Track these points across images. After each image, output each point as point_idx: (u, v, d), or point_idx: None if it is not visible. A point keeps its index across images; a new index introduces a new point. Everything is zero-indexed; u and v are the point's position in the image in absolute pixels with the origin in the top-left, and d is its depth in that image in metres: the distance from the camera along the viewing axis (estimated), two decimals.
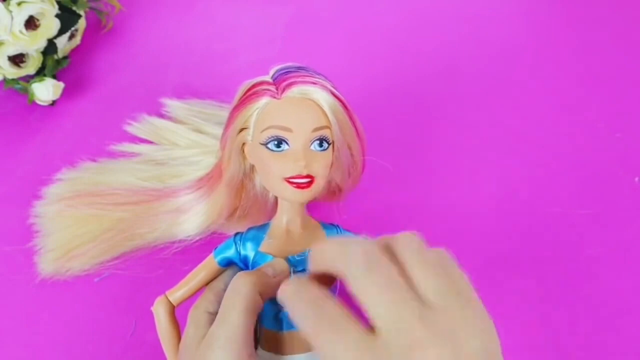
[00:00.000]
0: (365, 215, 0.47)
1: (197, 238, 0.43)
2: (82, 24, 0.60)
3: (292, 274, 0.33)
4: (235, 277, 0.31)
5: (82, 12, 0.59)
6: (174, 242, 0.43)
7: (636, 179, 0.48)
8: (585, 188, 0.48)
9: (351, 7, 0.64)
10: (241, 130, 0.35)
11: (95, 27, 0.63)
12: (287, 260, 0.33)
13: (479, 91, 0.55)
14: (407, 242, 0.26)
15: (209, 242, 0.41)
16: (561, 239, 0.45)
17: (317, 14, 0.63)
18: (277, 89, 0.34)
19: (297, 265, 0.33)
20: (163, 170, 0.48)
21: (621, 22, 0.60)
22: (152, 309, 0.35)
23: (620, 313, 0.42)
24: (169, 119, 0.53)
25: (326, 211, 0.45)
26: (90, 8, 0.61)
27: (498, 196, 0.48)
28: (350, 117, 0.35)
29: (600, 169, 0.49)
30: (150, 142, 0.51)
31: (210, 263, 0.35)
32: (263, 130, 0.33)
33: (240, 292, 0.30)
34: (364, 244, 0.25)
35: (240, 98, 0.35)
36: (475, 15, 0.62)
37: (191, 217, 0.42)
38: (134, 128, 0.52)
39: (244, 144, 0.36)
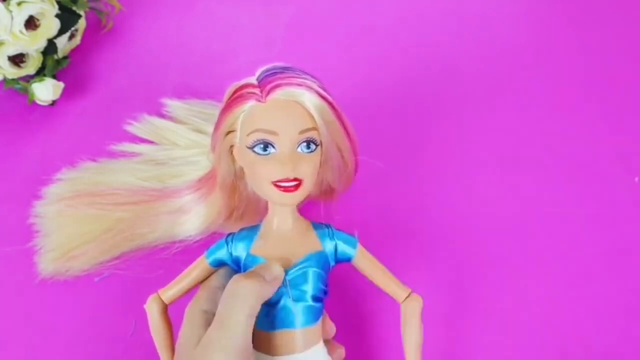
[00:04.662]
0: (360, 215, 0.47)
1: (198, 238, 0.43)
2: (82, 24, 0.60)
3: (286, 281, 0.33)
4: (234, 280, 0.31)
5: (82, 12, 0.58)
6: (174, 243, 0.43)
7: (636, 179, 0.48)
8: (585, 188, 0.48)
9: (351, 6, 0.64)
10: (228, 133, 0.35)
11: (95, 27, 0.63)
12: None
13: (478, 91, 0.55)
14: None
15: (209, 242, 0.41)
16: (561, 239, 0.45)
17: (318, 14, 0.63)
18: (261, 91, 0.33)
19: (292, 279, 0.33)
20: (163, 170, 0.48)
21: (621, 22, 0.59)
22: (145, 306, 0.35)
23: (620, 313, 0.42)
24: (169, 118, 0.53)
25: (320, 211, 0.44)
26: (90, 8, 0.61)
27: (497, 197, 0.48)
28: (339, 117, 0.35)
29: (600, 169, 0.49)
30: (151, 142, 0.51)
31: (202, 263, 0.36)
32: (249, 134, 0.33)
33: (242, 298, 0.30)
34: None
35: (227, 101, 0.35)
36: (475, 15, 0.61)
37: (191, 218, 0.42)
38: (134, 128, 0.52)
39: (232, 146, 0.36)
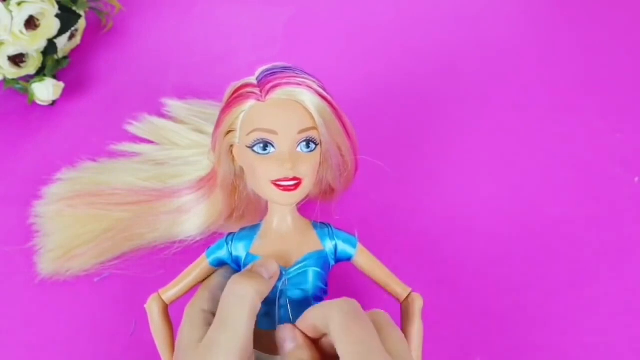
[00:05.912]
0: (359, 215, 0.47)
1: (198, 238, 0.43)
2: (82, 24, 0.60)
3: (285, 282, 0.33)
4: (233, 280, 0.31)
5: (82, 12, 0.59)
6: (174, 243, 0.43)
7: (636, 179, 0.48)
8: (585, 188, 0.48)
9: (351, 6, 0.64)
10: (228, 132, 0.35)
11: (95, 27, 0.63)
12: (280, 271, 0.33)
13: (478, 91, 0.55)
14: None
15: (209, 242, 0.41)
16: (561, 239, 0.45)
17: (317, 14, 0.63)
18: (261, 91, 0.33)
19: (292, 278, 0.33)
20: (163, 170, 0.48)
21: (622, 22, 0.60)
22: (146, 306, 0.35)
23: (620, 313, 0.42)
24: (170, 118, 0.53)
25: (320, 211, 0.44)
26: (90, 8, 0.61)
27: (497, 197, 0.48)
28: (339, 117, 0.35)
29: (600, 169, 0.49)
30: (151, 142, 0.51)
31: (202, 263, 0.36)
32: (249, 133, 0.33)
33: (242, 298, 0.30)
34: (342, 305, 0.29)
35: (227, 101, 0.35)
36: (474, 15, 0.62)
37: (192, 218, 0.42)
38: (135, 128, 0.52)
39: (232, 145, 0.36)
